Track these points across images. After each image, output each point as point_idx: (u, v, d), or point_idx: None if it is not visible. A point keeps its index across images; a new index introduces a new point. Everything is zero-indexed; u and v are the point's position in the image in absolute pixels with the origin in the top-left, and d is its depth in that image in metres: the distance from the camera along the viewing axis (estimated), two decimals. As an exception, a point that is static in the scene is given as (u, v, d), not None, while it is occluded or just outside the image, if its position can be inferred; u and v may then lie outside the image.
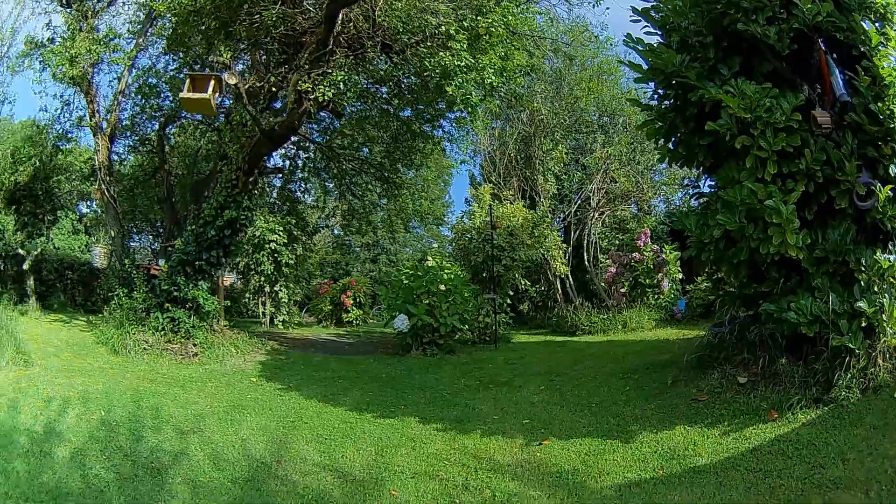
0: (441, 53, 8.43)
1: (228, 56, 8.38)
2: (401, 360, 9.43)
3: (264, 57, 10.25)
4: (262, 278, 14.51)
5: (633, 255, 13.11)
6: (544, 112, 15.93)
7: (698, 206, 6.07)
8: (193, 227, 9.68)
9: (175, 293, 9.02)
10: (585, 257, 14.32)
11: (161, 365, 7.87)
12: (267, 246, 14.32)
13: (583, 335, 12.43)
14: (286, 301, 15.12)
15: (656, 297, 13.01)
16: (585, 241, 14.59)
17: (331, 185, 15.71)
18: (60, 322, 10.48)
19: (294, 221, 15.02)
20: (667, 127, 5.89)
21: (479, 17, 8.81)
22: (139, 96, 12.97)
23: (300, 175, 15.36)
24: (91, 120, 11.81)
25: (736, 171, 4.92)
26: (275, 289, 14.81)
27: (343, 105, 10.52)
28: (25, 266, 11.55)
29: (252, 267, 14.63)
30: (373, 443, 4.94)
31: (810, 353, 4.75)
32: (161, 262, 11.46)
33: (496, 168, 16.15)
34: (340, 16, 8.83)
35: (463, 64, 8.34)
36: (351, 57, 9.25)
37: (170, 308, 8.95)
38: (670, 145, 6.02)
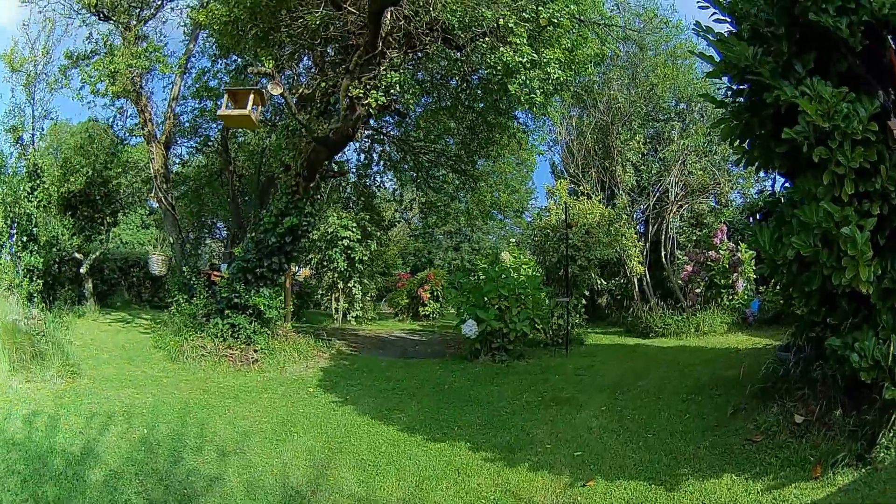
0: (501, 49, 7.93)
1: (271, 65, 8.28)
2: (467, 366, 9.42)
3: (310, 62, 10.19)
4: (336, 274, 14.67)
5: (710, 253, 12.46)
6: (621, 100, 15.37)
7: (771, 216, 5.56)
8: (254, 233, 9.62)
9: (235, 300, 8.98)
10: (663, 253, 13.75)
11: (218, 373, 7.84)
12: (340, 242, 14.41)
13: (656, 338, 12.09)
14: (359, 297, 15.18)
15: (730, 297, 12.36)
16: (663, 237, 13.99)
17: (407, 178, 15.24)
18: (121, 322, 10.75)
19: (368, 217, 14.87)
20: (742, 127, 5.26)
21: (540, 7, 8.26)
22: (197, 100, 13.11)
23: (376, 169, 14.98)
24: (144, 129, 11.72)
25: (813, 185, 4.42)
26: (348, 285, 14.96)
27: (406, 105, 10.57)
28: (83, 269, 11.88)
29: (325, 263, 14.80)
30: (416, 472, 4.77)
31: (866, 401, 4.35)
32: (223, 266, 11.65)
33: (574, 159, 15.72)
34: (388, 14, 8.49)
35: (525, 60, 7.90)
36: (410, 54, 9.05)
37: (230, 314, 8.90)
38: (746, 146, 5.49)
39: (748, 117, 5.10)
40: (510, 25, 7.93)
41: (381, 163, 14.92)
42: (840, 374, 4.54)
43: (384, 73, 8.48)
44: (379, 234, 15.61)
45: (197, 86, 13.11)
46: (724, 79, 5.21)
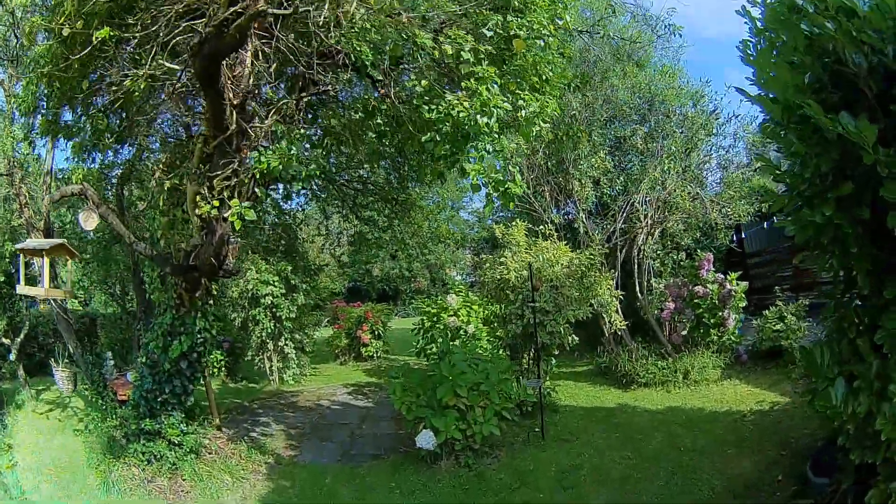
0: (451, 99, 5.16)
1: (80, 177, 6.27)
2: (428, 479, 7.53)
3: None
4: (264, 334, 12.80)
5: (696, 288, 10.97)
6: (575, 105, 13.64)
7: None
8: (144, 357, 7.57)
9: (146, 427, 7.39)
10: (637, 285, 12.16)
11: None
12: (262, 300, 12.55)
13: (638, 389, 10.67)
14: (293, 356, 13.50)
15: (720, 335, 10.92)
16: (636, 264, 12.41)
17: (332, 209, 13.43)
18: (59, 410, 9.69)
19: (291, 267, 12.97)
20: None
21: (510, 20, 5.70)
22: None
23: (296, 201, 13.17)
24: (21, 217, 9.31)
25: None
26: (279, 344, 13.14)
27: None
28: (13, 356, 10.99)
29: (250, 324, 12.95)
30: None
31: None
32: (129, 376, 9.67)
33: (524, 177, 13.94)
34: (245, 68, 6.04)
35: (493, 120, 5.10)
36: (300, 103, 6.81)
37: (145, 443, 7.37)
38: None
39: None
40: (464, 54, 5.39)
41: (305, 193, 12.79)
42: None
43: (247, 159, 6.22)
44: (305, 285, 13.54)
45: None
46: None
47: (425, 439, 7.44)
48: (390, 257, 28.82)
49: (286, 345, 13.22)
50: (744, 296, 10.95)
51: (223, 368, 13.51)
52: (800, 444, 6.92)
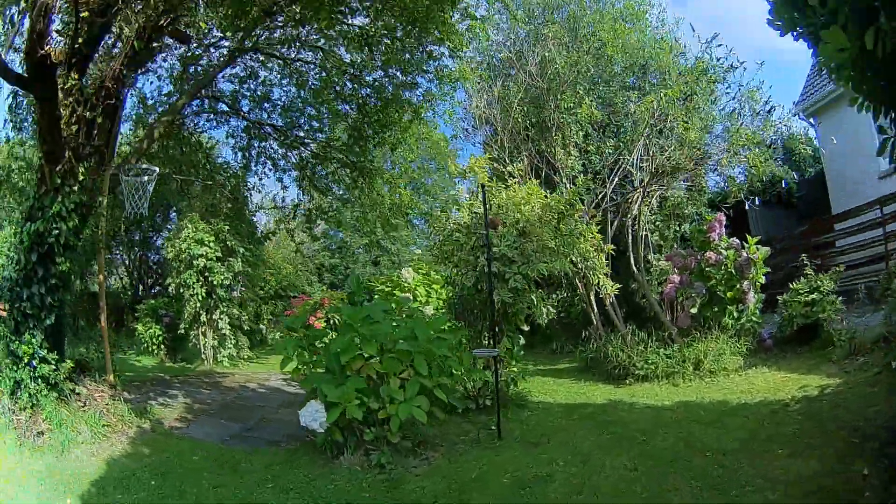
0: None
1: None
2: (318, 477, 5.09)
3: None
4: (198, 304, 10.89)
5: (708, 255, 8.54)
6: (559, 62, 11.44)
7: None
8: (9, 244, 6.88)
9: (12, 346, 6.17)
10: (632, 258, 9.72)
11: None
12: (195, 262, 10.73)
13: (636, 384, 8.16)
14: (228, 333, 11.50)
15: (738, 314, 8.48)
16: (630, 237, 10.01)
17: (289, 179, 12.58)
18: None
19: (229, 227, 11.39)
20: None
21: None
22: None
23: (255, 170, 12.24)
24: None
25: None
26: (213, 317, 11.21)
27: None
28: None
29: (182, 290, 11.04)
30: None
31: None
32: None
33: (498, 139, 11.64)
34: None
35: None
36: None
37: (10, 365, 6.15)
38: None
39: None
40: None
41: (263, 161, 12.17)
42: None
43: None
44: (244, 250, 11.68)
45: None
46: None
47: (311, 414, 4.98)
48: (372, 263, 27.52)
49: (220, 318, 11.30)
50: (764, 266, 8.55)
51: (163, 346, 11.85)
52: (877, 425, 4.59)
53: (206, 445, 6.31)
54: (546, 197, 7.66)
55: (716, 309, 8.47)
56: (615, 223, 10.42)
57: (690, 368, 7.83)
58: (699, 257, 8.68)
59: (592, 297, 9.70)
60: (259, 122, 11.69)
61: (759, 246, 8.52)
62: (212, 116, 11.59)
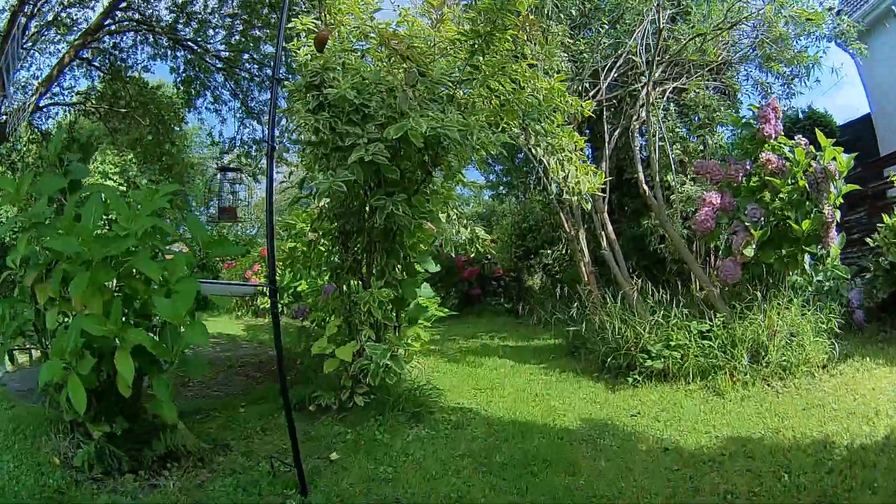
0: None
1: None
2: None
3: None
4: None
5: (763, 156, 5.03)
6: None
7: None
8: None
9: None
10: (641, 177, 6.23)
11: None
12: None
13: (644, 383, 4.75)
14: None
15: (820, 262, 5.11)
16: (636, 151, 6.52)
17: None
18: None
19: (133, 156, 11.30)
20: None
21: None
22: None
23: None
24: None
25: None
26: None
27: None
28: None
29: None
30: None
31: None
32: None
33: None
34: None
35: None
36: None
37: None
38: None
39: None
40: None
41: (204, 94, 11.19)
42: None
43: None
44: (151, 185, 9.85)
45: None
46: None
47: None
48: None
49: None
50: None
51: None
52: None
53: None
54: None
55: (783, 252, 4.99)
56: (618, 133, 6.92)
57: (745, 360, 4.43)
58: (749, 165, 5.20)
59: (577, 232, 6.28)
60: (198, 50, 10.49)
61: (832, 145, 5.00)
62: (153, 52, 10.57)
